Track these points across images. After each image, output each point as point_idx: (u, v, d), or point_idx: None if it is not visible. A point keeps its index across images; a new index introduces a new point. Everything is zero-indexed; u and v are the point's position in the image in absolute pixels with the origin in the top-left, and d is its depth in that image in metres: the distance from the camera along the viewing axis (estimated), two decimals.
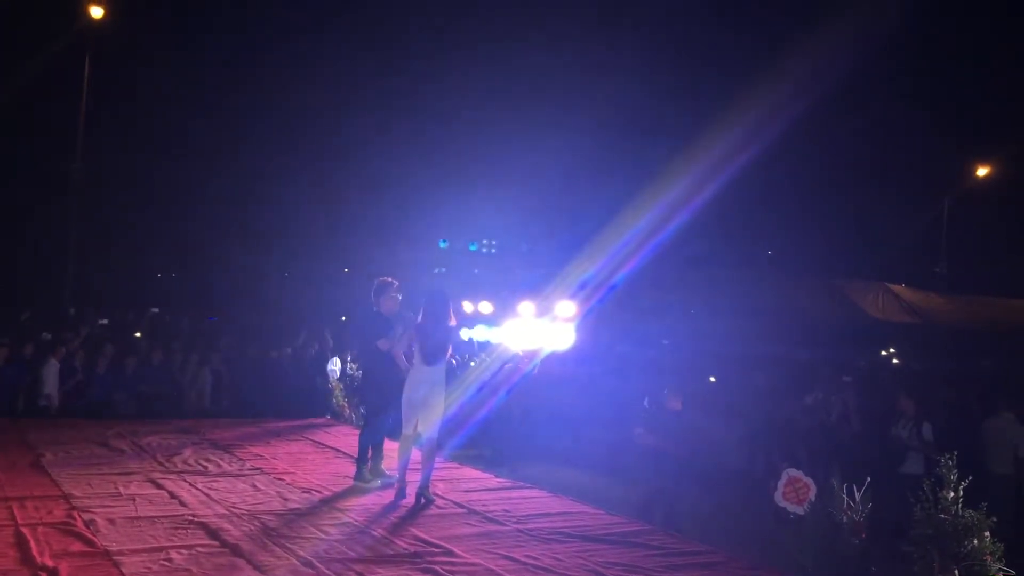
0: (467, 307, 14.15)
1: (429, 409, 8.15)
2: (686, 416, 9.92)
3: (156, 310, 16.77)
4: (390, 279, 8.92)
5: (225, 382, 14.71)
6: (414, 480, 8.36)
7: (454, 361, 8.52)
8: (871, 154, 36.09)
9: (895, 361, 20.90)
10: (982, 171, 28.18)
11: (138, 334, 16.08)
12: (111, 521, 6.91)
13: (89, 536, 6.47)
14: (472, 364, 13.80)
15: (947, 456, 5.82)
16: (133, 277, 31.38)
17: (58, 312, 19.39)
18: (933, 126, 35.96)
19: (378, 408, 9.07)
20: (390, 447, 9.09)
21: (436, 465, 10.01)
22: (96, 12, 20.34)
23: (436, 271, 27.87)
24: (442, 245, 27.27)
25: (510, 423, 12.06)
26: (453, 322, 8.26)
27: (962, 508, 5.71)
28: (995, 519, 5.75)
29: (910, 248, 30.78)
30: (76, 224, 22.01)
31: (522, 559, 6.45)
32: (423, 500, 8.07)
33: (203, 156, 32.94)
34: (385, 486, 8.66)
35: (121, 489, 8.10)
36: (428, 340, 8.09)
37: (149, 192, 32.18)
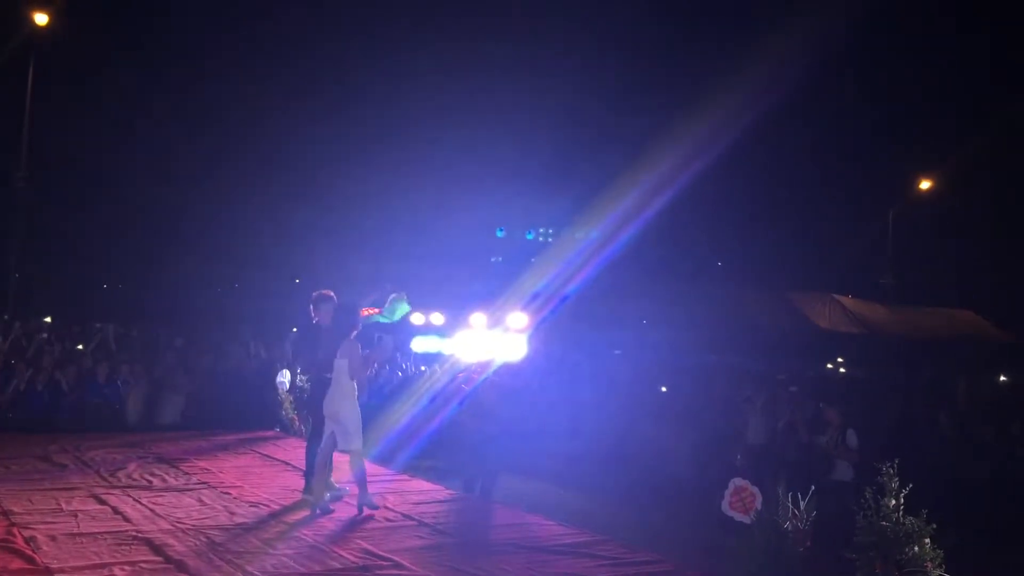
0: (418, 318, 14.11)
1: (338, 422, 8.12)
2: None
3: (99, 325, 16.46)
4: (329, 292, 9.00)
5: (171, 395, 14.47)
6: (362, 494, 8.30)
7: (394, 378, 8.59)
8: (819, 166, 36.73)
9: (842, 371, 21.27)
10: (926, 183, 28.83)
11: (80, 346, 15.77)
12: (52, 538, 6.76)
13: (29, 553, 6.32)
14: (423, 368, 13.78)
15: (888, 464, 5.92)
16: (79, 288, 30.82)
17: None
18: (878, 139, 36.73)
19: (324, 420, 9.04)
20: (340, 459, 9.03)
21: (388, 477, 10.00)
22: (41, 19, 20.01)
23: (493, 259, 27.74)
24: (499, 234, 27.03)
25: (462, 434, 12.04)
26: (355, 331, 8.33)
27: (903, 515, 5.82)
28: (935, 526, 5.86)
29: (857, 259, 31.35)
30: (20, 234, 21.60)
31: (471, 571, 6.43)
32: (365, 510, 8.07)
33: (150, 165, 32.48)
34: (334, 499, 8.59)
35: (63, 505, 7.93)
36: (322, 350, 8.37)
37: (94, 203, 31.66)
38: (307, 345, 9.22)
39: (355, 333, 8.29)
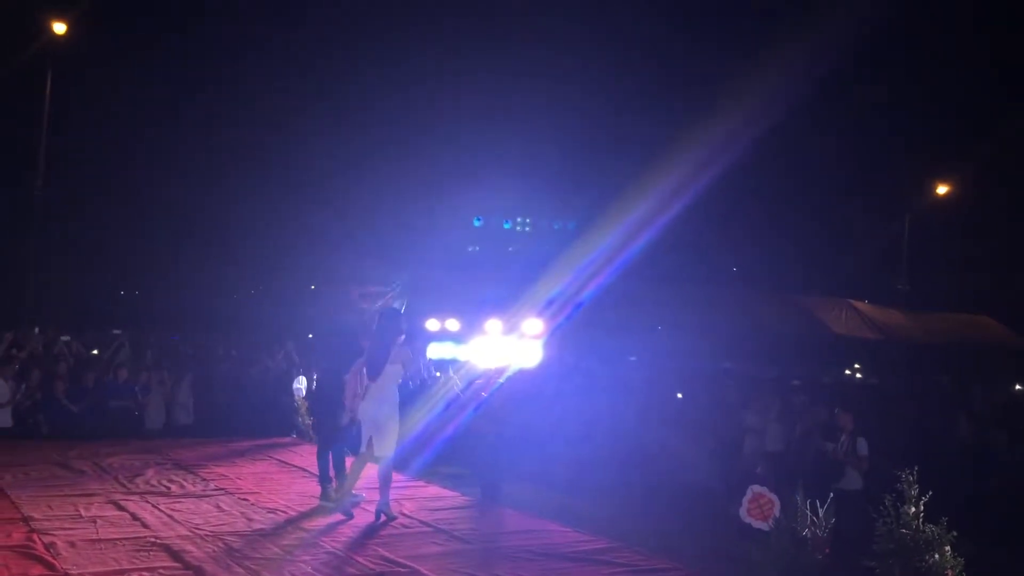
0: (434, 324, 14.13)
1: (378, 426, 8.18)
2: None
3: (116, 331, 16.55)
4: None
5: (188, 400, 14.54)
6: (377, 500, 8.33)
7: (410, 383, 8.63)
8: (836, 170, 36.54)
9: (859, 376, 21.15)
10: (943, 188, 28.68)
11: (95, 351, 15.89)
12: (72, 544, 6.82)
13: (49, 559, 6.37)
14: (438, 375, 13.79)
15: (907, 471, 5.89)
16: (95, 295, 31.00)
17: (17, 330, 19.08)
18: (895, 143, 36.54)
19: (333, 426, 9.06)
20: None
21: (404, 483, 10.01)
22: (59, 28, 20.16)
23: (470, 249, 27.66)
24: (476, 223, 26.90)
25: (480, 440, 12.04)
26: (402, 339, 8.40)
27: (923, 523, 5.78)
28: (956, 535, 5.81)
29: (873, 264, 31.18)
30: (37, 241, 21.76)
31: None
32: (383, 517, 8.09)
33: (168, 173, 32.64)
34: (353, 505, 8.62)
35: (82, 511, 8.00)
36: (369, 356, 8.34)
37: (111, 210, 31.85)
38: (328, 351, 9.27)
39: (403, 338, 8.36)
